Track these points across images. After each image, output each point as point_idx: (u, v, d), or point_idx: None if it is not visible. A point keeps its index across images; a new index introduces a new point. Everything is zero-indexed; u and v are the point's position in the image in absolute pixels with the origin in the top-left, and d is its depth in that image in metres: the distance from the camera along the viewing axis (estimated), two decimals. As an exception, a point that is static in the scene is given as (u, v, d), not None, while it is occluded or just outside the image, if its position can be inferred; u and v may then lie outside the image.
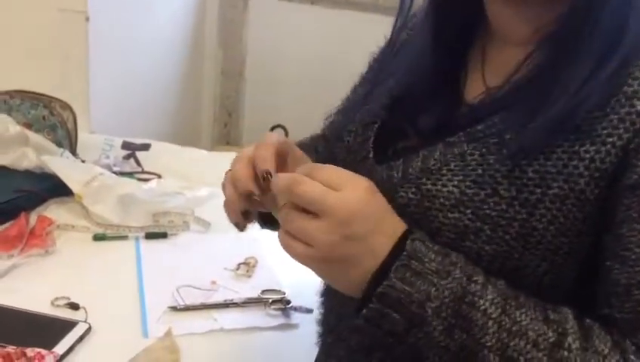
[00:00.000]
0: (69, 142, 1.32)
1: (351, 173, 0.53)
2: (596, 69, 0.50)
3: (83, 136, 1.39)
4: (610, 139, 0.49)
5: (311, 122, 0.80)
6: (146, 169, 1.38)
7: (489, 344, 0.48)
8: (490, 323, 0.48)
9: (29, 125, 1.32)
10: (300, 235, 0.50)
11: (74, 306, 0.87)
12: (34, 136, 1.28)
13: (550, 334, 0.48)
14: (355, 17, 1.92)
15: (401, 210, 0.55)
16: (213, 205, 1.23)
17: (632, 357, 0.47)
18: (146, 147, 1.46)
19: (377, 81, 0.68)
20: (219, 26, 2.11)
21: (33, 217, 1.09)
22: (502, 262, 0.51)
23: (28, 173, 1.22)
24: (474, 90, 0.61)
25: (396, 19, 0.66)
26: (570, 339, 0.47)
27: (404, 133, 0.61)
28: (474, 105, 0.59)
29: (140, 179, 1.31)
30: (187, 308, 0.91)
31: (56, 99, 1.35)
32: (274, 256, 1.06)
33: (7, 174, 1.22)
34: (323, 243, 0.49)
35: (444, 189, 0.53)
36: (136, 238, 1.10)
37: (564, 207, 0.50)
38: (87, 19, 1.50)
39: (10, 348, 0.73)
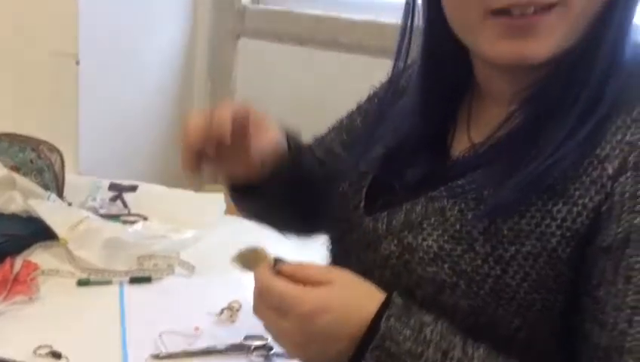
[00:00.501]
0: (55, 184, 1.33)
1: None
2: (574, 130, 0.52)
3: (71, 178, 1.40)
4: (582, 201, 0.51)
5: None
6: (132, 210, 1.39)
7: None
8: None
9: (16, 168, 1.33)
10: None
11: (56, 355, 0.87)
12: (21, 180, 1.29)
13: None
14: (341, 58, 1.96)
15: (383, 261, 0.57)
16: (199, 248, 1.24)
17: None
18: (133, 188, 1.47)
19: (376, 129, 0.70)
20: (208, 66, 2.14)
21: (18, 262, 1.09)
22: (476, 317, 0.52)
23: (14, 217, 1.23)
24: (460, 145, 0.63)
25: (394, 65, 0.67)
26: None
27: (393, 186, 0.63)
28: (458, 160, 0.61)
29: (126, 221, 1.32)
30: (169, 356, 0.91)
31: (44, 141, 1.37)
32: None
33: (-7, 218, 1.22)
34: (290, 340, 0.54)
35: (424, 243, 0.55)
36: (121, 283, 1.10)
37: (537, 265, 0.51)
38: (78, 62, 1.52)
39: (-10, 401, 0.74)
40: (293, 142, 0.72)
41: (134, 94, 1.82)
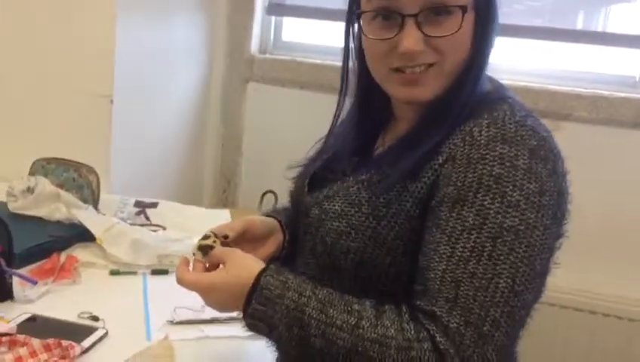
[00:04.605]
0: (92, 199, 1.62)
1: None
2: (429, 141, 0.80)
3: (103, 196, 1.69)
4: (424, 179, 0.79)
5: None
6: (153, 223, 1.67)
7: (313, 331, 0.74)
8: (313, 321, 0.74)
9: (61, 185, 1.62)
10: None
11: (95, 318, 1.14)
12: (65, 195, 1.58)
13: (351, 320, 0.73)
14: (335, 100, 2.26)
15: (312, 221, 0.87)
16: (207, 250, 1.50)
17: (406, 316, 0.73)
18: (154, 205, 1.75)
19: (326, 143, 1.00)
20: (221, 106, 2.46)
21: (63, 256, 1.37)
22: (361, 256, 0.80)
23: (59, 223, 1.52)
24: (379, 150, 0.92)
25: (338, 101, 0.96)
26: (364, 321, 0.73)
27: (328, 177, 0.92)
28: (369, 159, 0.90)
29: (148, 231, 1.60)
30: (181, 322, 1.17)
31: (84, 164, 1.67)
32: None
33: (43, 223, 1.52)
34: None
35: (333, 207, 0.84)
36: (144, 274, 1.38)
37: (399, 220, 0.79)
38: (112, 101, 1.83)
39: (51, 340, 1.00)
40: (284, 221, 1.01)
41: (157, 128, 2.13)
